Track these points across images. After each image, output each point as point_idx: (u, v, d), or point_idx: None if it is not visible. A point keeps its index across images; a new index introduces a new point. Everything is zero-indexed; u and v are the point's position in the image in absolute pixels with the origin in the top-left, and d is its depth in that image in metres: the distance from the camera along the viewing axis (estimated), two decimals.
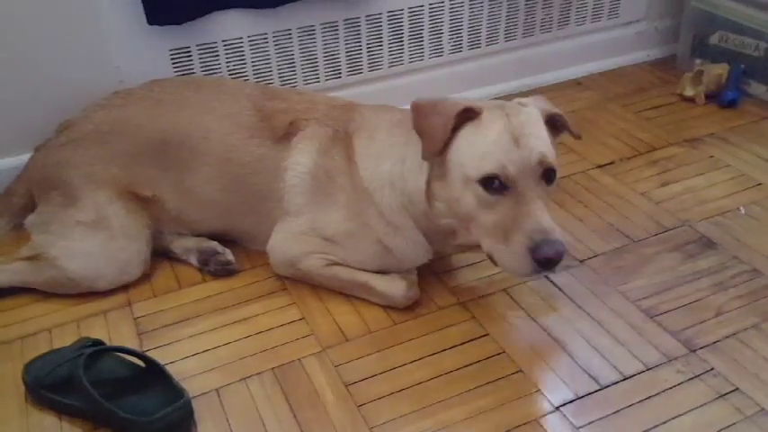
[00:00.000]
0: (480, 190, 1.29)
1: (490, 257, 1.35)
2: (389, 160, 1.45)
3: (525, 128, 1.31)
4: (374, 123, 1.51)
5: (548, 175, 1.31)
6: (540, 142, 1.31)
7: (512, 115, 1.32)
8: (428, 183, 1.39)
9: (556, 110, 1.40)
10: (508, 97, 2.29)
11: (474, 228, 1.35)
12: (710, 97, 2.29)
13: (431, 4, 2.16)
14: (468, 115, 1.32)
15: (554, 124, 1.40)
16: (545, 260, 1.24)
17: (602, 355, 1.40)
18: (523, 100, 1.41)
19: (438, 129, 1.30)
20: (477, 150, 1.30)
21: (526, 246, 1.25)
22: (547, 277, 1.60)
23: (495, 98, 2.30)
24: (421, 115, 1.34)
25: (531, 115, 1.35)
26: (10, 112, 1.80)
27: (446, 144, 1.32)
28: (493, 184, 1.28)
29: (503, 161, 1.27)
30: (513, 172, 1.27)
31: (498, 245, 1.30)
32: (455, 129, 1.32)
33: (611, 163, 2.02)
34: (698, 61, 2.40)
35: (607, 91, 2.41)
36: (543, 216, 1.27)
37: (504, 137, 1.29)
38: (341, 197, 1.50)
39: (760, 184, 1.89)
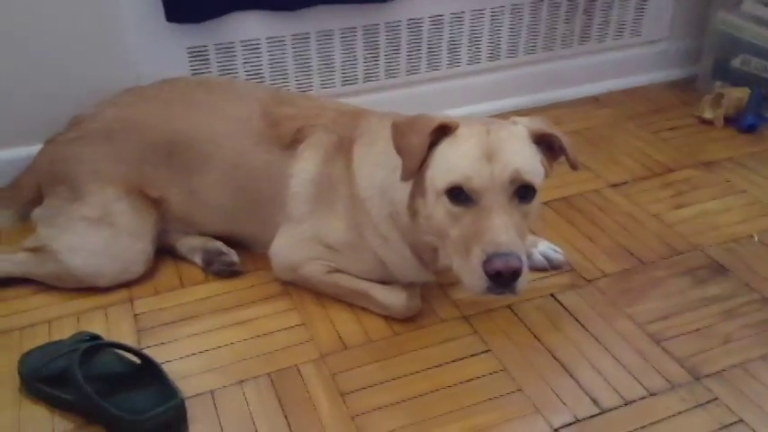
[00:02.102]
0: (447, 202, 1.27)
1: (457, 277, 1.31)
2: (385, 169, 1.43)
3: (503, 143, 1.27)
4: (377, 130, 1.49)
5: (522, 192, 1.27)
6: (517, 158, 1.26)
7: (492, 131, 1.29)
8: (411, 198, 1.37)
9: (552, 131, 1.35)
10: (522, 112, 2.29)
11: (447, 245, 1.31)
12: (730, 121, 2.26)
13: (452, 14, 2.15)
14: (444, 131, 1.30)
15: (550, 145, 1.35)
16: (495, 274, 1.19)
17: (604, 378, 1.37)
18: (518, 118, 1.37)
19: (415, 147, 1.28)
20: (446, 163, 1.28)
21: (480, 259, 1.21)
22: (553, 296, 1.58)
23: (513, 112, 2.29)
24: (399, 135, 1.32)
25: (515, 132, 1.32)
26: (26, 103, 1.80)
27: (423, 161, 1.30)
28: (459, 195, 1.25)
29: (467, 172, 1.24)
30: (477, 184, 1.24)
31: (460, 260, 1.26)
32: (432, 145, 1.30)
33: (625, 183, 1.99)
34: (718, 84, 2.37)
35: (625, 109, 2.38)
36: (503, 230, 1.21)
37: (475, 150, 1.26)
38: (341, 206, 1.49)
39: None
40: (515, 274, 1.20)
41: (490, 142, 1.27)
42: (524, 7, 2.23)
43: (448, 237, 1.29)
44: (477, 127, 1.31)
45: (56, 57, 1.79)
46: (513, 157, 1.26)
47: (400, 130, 1.33)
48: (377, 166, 1.45)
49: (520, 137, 1.32)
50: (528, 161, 1.28)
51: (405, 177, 1.31)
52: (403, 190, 1.39)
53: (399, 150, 1.32)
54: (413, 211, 1.38)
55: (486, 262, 1.19)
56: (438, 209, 1.29)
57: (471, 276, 1.24)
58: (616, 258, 1.70)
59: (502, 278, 1.20)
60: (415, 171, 1.30)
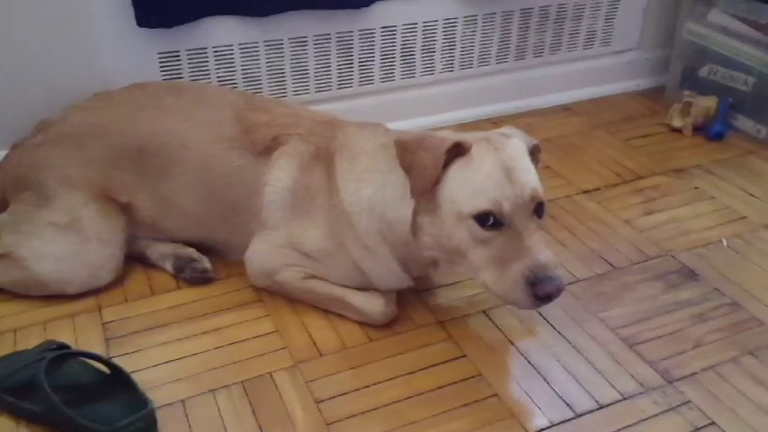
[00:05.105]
0: (475, 226, 1.28)
1: (487, 289, 1.34)
2: (371, 186, 1.43)
3: (514, 162, 1.30)
4: (358, 144, 1.48)
5: (538, 208, 1.30)
6: (531, 176, 1.31)
7: (500, 149, 1.31)
8: (414, 215, 1.37)
9: (535, 140, 1.41)
10: (494, 120, 2.30)
11: (465, 261, 1.33)
12: (698, 129, 2.29)
13: (425, 23, 2.15)
14: (457, 151, 1.31)
15: (534, 154, 1.40)
16: (545, 296, 1.24)
17: (578, 383, 1.38)
18: (505, 131, 1.41)
19: (428, 166, 1.28)
20: (470, 186, 1.29)
21: (525, 279, 1.24)
22: None
23: (487, 120, 2.31)
24: (407, 152, 1.32)
25: (518, 148, 1.35)
26: None
27: (436, 180, 1.30)
28: (488, 220, 1.27)
29: (497, 198, 1.26)
30: (507, 208, 1.26)
31: (495, 277, 1.29)
32: (445, 165, 1.30)
33: (597, 189, 2.01)
34: (687, 93, 2.40)
35: (596, 118, 2.41)
36: (542, 251, 1.26)
37: (497, 172, 1.28)
38: (319, 216, 1.48)
39: (743, 218, 1.89)
40: (561, 292, 1.26)
41: (504, 161, 1.29)
42: (496, 17, 2.25)
43: (467, 255, 1.31)
44: (485, 144, 1.32)
45: (23, 60, 1.75)
46: (528, 175, 1.30)
47: (409, 148, 1.32)
48: (362, 182, 1.44)
49: (523, 152, 1.35)
50: (536, 177, 1.32)
51: (415, 196, 1.32)
52: (397, 208, 1.38)
53: (408, 168, 1.31)
54: (416, 229, 1.37)
55: (536, 285, 1.23)
56: (460, 231, 1.29)
57: (513, 293, 1.27)
58: (588, 263, 1.71)
59: (550, 297, 1.25)
60: (429, 190, 1.30)
